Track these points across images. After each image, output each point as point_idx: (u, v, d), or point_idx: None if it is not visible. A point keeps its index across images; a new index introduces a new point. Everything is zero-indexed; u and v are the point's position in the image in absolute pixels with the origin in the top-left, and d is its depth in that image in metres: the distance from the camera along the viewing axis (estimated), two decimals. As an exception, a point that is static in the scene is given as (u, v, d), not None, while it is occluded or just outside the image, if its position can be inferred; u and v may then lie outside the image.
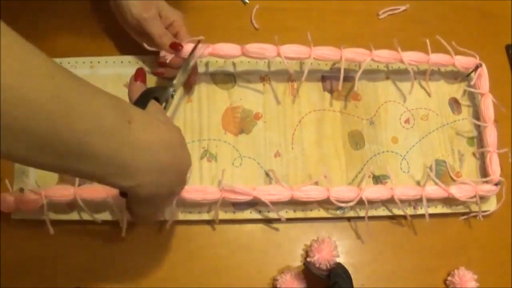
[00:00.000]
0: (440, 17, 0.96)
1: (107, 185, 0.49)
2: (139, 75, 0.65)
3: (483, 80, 0.87)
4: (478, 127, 0.88)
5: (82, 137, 0.41)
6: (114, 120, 0.44)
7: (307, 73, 0.79)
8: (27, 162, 0.41)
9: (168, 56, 0.75)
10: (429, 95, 0.88)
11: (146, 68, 0.81)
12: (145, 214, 0.59)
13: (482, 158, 0.86)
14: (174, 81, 0.72)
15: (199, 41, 0.76)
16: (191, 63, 0.75)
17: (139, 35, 0.79)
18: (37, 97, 0.37)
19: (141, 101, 0.58)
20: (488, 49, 0.93)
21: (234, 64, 0.84)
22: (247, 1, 0.90)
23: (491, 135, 0.84)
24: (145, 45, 0.76)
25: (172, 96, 0.69)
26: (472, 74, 0.88)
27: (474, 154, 0.86)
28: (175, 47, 0.75)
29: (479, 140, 0.87)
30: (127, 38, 0.82)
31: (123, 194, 0.56)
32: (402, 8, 0.95)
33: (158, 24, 0.76)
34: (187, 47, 0.75)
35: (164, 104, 0.67)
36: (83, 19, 0.85)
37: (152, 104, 0.58)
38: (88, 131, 0.41)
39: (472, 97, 0.90)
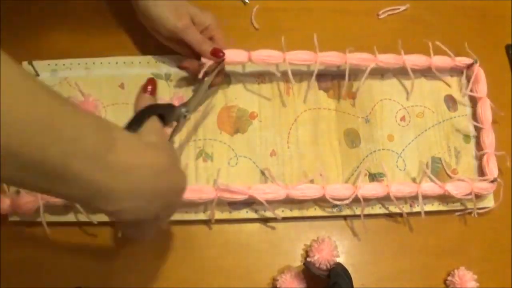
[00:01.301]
0: (440, 17, 0.95)
1: (92, 210, 0.47)
2: (147, 85, 0.63)
3: (481, 85, 0.86)
4: (475, 127, 0.87)
5: (63, 159, 0.39)
6: (95, 143, 0.42)
7: (311, 75, 0.80)
8: (17, 184, 0.41)
9: (207, 62, 0.75)
10: (425, 93, 0.87)
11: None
12: (133, 234, 0.57)
13: (479, 159, 0.85)
14: (190, 101, 0.71)
15: (223, 59, 0.76)
16: (208, 84, 0.75)
17: (173, 42, 0.78)
18: (18, 117, 0.36)
19: (141, 116, 0.56)
20: (488, 49, 0.93)
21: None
22: (247, 1, 0.91)
23: (488, 137, 0.83)
24: (182, 65, 0.77)
25: (185, 117, 0.68)
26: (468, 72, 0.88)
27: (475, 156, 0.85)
28: (216, 54, 0.74)
29: (477, 141, 0.86)
30: (122, 39, 0.82)
31: None
32: (402, 8, 0.94)
33: (193, 32, 0.74)
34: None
35: (173, 123, 0.65)
36: (78, 20, 0.86)
37: (150, 122, 0.56)
38: (68, 153, 0.40)
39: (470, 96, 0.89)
